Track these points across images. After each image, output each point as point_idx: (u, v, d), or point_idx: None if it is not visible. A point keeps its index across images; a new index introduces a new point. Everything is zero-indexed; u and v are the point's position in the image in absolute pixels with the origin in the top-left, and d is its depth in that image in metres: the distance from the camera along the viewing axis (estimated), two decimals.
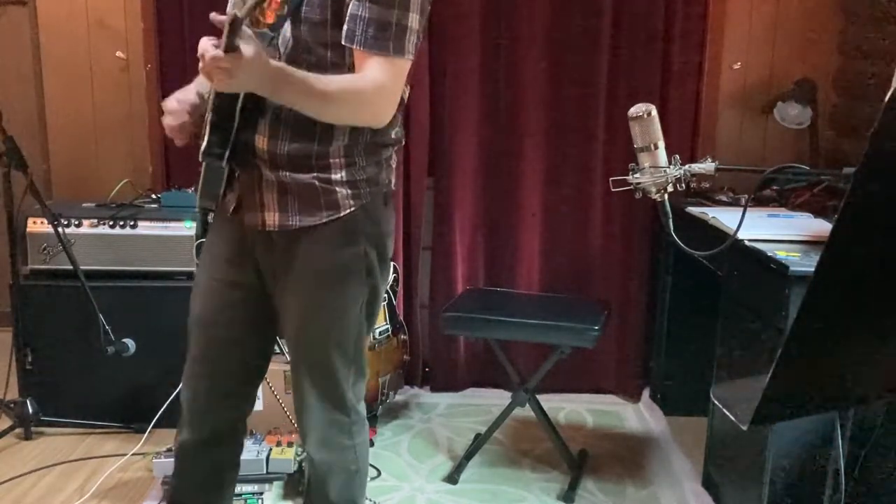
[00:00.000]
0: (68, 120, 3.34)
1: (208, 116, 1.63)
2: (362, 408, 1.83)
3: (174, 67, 3.23)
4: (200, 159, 1.65)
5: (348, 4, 1.56)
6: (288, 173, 1.64)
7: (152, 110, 3.28)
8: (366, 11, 1.54)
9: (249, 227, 1.69)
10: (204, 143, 1.63)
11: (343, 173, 1.67)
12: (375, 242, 1.73)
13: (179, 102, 1.69)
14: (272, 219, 1.66)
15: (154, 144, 3.31)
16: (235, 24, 1.33)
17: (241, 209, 1.71)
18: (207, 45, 1.39)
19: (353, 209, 1.68)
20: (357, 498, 1.87)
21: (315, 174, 1.65)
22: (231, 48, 1.36)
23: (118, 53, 3.27)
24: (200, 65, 1.41)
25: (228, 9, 1.38)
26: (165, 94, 3.20)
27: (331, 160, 1.66)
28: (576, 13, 3.10)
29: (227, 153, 1.63)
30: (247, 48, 1.38)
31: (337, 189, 1.66)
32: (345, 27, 1.56)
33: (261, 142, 1.63)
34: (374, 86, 1.58)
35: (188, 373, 1.82)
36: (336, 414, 1.77)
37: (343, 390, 1.77)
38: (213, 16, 1.40)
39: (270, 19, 1.37)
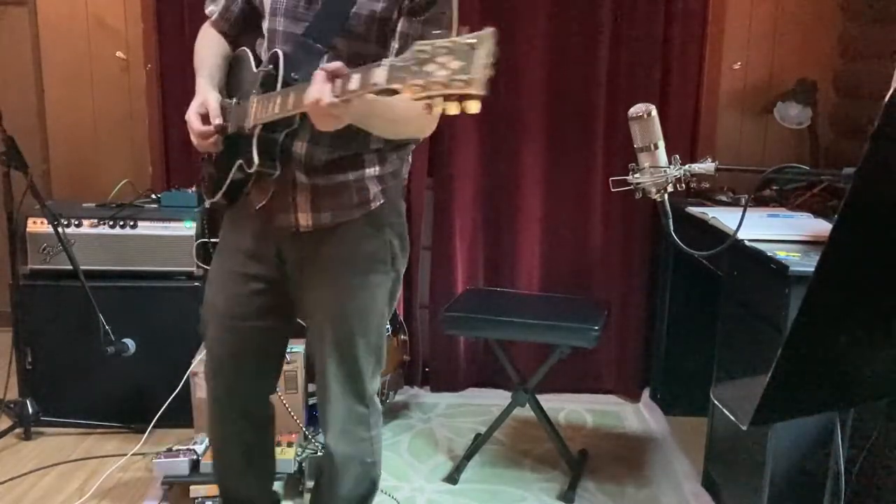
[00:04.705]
0: (68, 120, 3.34)
1: (256, 130, 1.63)
2: (377, 400, 1.90)
3: (174, 67, 3.22)
4: (250, 169, 1.63)
5: (396, 21, 1.62)
6: (324, 176, 1.70)
7: (152, 110, 3.28)
8: (417, 31, 1.59)
9: (281, 228, 1.72)
10: (256, 159, 1.63)
11: (376, 169, 1.75)
12: (399, 232, 1.81)
13: (202, 117, 1.69)
14: (305, 220, 1.72)
15: (154, 144, 3.31)
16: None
17: (269, 208, 1.73)
18: (325, 91, 1.38)
19: (382, 202, 1.76)
20: (372, 490, 1.95)
21: (350, 173, 1.72)
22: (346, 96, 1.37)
23: (118, 53, 3.27)
24: (309, 107, 1.40)
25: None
26: (165, 94, 3.27)
27: (365, 157, 1.73)
28: (576, 13, 3.10)
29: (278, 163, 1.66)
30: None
31: (369, 186, 1.74)
32: (395, 45, 1.61)
33: (300, 147, 1.67)
34: None
35: (216, 366, 1.88)
36: (356, 405, 1.83)
37: (364, 380, 1.84)
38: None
39: None
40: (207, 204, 1.84)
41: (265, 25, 1.72)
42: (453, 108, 1.23)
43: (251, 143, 1.63)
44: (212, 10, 1.87)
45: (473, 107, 1.22)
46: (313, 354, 1.87)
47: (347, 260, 1.75)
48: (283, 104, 1.53)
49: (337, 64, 1.40)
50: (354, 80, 1.34)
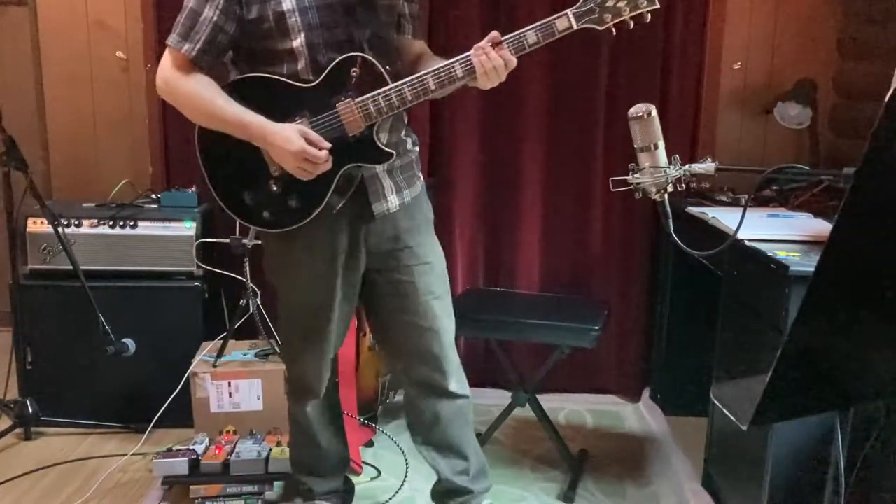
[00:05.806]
0: (68, 120, 3.34)
1: (374, 130, 1.83)
2: None
3: None
4: (384, 161, 1.86)
5: (402, 6, 1.94)
6: (397, 158, 1.91)
7: (152, 110, 3.28)
8: (415, 10, 1.98)
9: (378, 215, 1.92)
10: (391, 150, 1.85)
11: (417, 147, 2.05)
12: None
13: (310, 143, 1.76)
14: (395, 202, 1.94)
15: (154, 144, 3.31)
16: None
17: (354, 200, 1.89)
18: (506, 55, 1.73)
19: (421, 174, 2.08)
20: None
21: (408, 153, 1.99)
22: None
23: (118, 53, 3.27)
24: (494, 70, 1.75)
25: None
26: None
27: (409, 139, 2.01)
28: None
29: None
30: None
31: (419, 161, 2.06)
32: (407, 25, 1.96)
33: (383, 138, 1.87)
34: None
35: (310, 351, 2.06)
36: (456, 355, 2.13)
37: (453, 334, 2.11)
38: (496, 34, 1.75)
39: None
40: (298, 225, 1.87)
41: (294, 43, 1.76)
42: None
43: (365, 145, 1.81)
44: (188, 48, 1.84)
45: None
46: (395, 328, 2.05)
47: (422, 227, 2.02)
48: (426, 87, 1.74)
49: (495, 33, 1.71)
50: (531, 36, 1.72)
